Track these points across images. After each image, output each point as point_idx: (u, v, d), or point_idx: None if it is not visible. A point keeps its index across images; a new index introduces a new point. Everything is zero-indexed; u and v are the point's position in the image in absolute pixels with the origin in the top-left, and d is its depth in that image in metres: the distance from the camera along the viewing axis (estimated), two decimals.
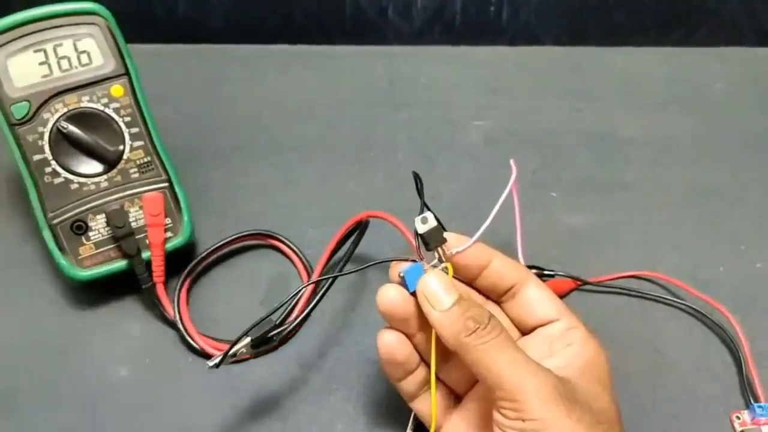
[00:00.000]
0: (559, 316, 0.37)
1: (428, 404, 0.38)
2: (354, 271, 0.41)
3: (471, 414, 0.38)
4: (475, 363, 0.33)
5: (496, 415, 0.33)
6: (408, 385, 0.38)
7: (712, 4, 0.69)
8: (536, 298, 0.38)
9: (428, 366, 0.37)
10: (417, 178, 0.37)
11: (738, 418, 0.43)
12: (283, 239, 0.50)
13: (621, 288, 0.49)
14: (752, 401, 0.43)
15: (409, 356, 0.37)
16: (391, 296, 0.35)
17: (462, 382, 0.39)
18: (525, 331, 0.39)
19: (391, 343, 0.37)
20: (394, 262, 0.37)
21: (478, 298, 0.39)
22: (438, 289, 0.34)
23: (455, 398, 0.39)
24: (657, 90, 0.65)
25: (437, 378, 0.38)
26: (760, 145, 0.60)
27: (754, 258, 0.51)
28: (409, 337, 0.37)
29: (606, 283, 0.49)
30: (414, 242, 0.36)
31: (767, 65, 0.68)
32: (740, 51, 0.70)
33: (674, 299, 0.48)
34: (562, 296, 0.48)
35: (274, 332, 0.43)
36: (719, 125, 0.62)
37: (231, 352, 0.38)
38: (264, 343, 0.41)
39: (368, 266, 0.37)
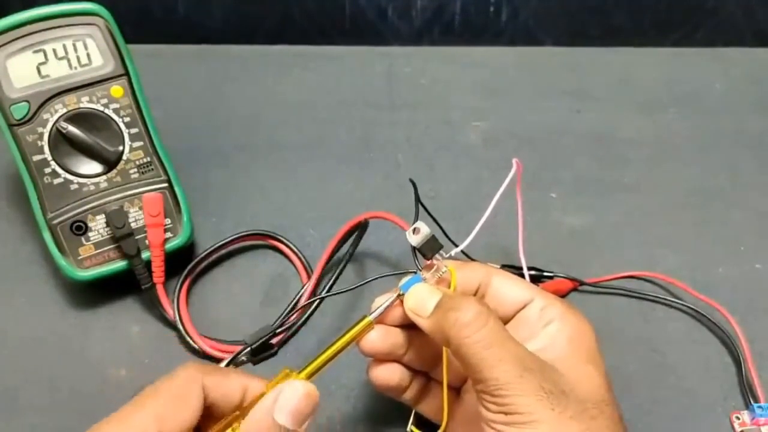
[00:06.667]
0: (532, 296, 0.36)
1: (431, 405, 0.39)
2: (350, 289, 0.41)
3: (468, 406, 0.38)
4: (461, 357, 0.33)
5: (480, 409, 0.33)
6: (408, 396, 0.39)
7: (711, 4, 0.69)
8: (503, 286, 0.37)
9: (421, 374, 0.39)
10: (414, 186, 0.37)
11: (738, 418, 0.43)
12: (282, 239, 0.50)
13: (620, 288, 0.49)
14: (752, 401, 0.43)
15: (402, 377, 0.38)
16: (372, 340, 0.36)
17: (456, 376, 0.39)
18: (505, 322, 0.38)
19: (384, 375, 0.37)
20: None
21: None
22: (419, 299, 0.35)
23: (454, 392, 0.40)
24: (656, 90, 0.65)
25: (435, 380, 0.39)
26: (759, 146, 0.60)
27: (754, 258, 0.51)
28: (398, 358, 0.37)
29: (605, 284, 0.49)
30: (412, 254, 0.36)
31: (766, 66, 0.68)
32: (739, 51, 0.70)
33: (674, 300, 0.48)
34: (561, 297, 0.48)
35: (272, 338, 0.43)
36: (718, 126, 0.62)
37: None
38: (263, 351, 0.42)
39: (366, 282, 0.39)
